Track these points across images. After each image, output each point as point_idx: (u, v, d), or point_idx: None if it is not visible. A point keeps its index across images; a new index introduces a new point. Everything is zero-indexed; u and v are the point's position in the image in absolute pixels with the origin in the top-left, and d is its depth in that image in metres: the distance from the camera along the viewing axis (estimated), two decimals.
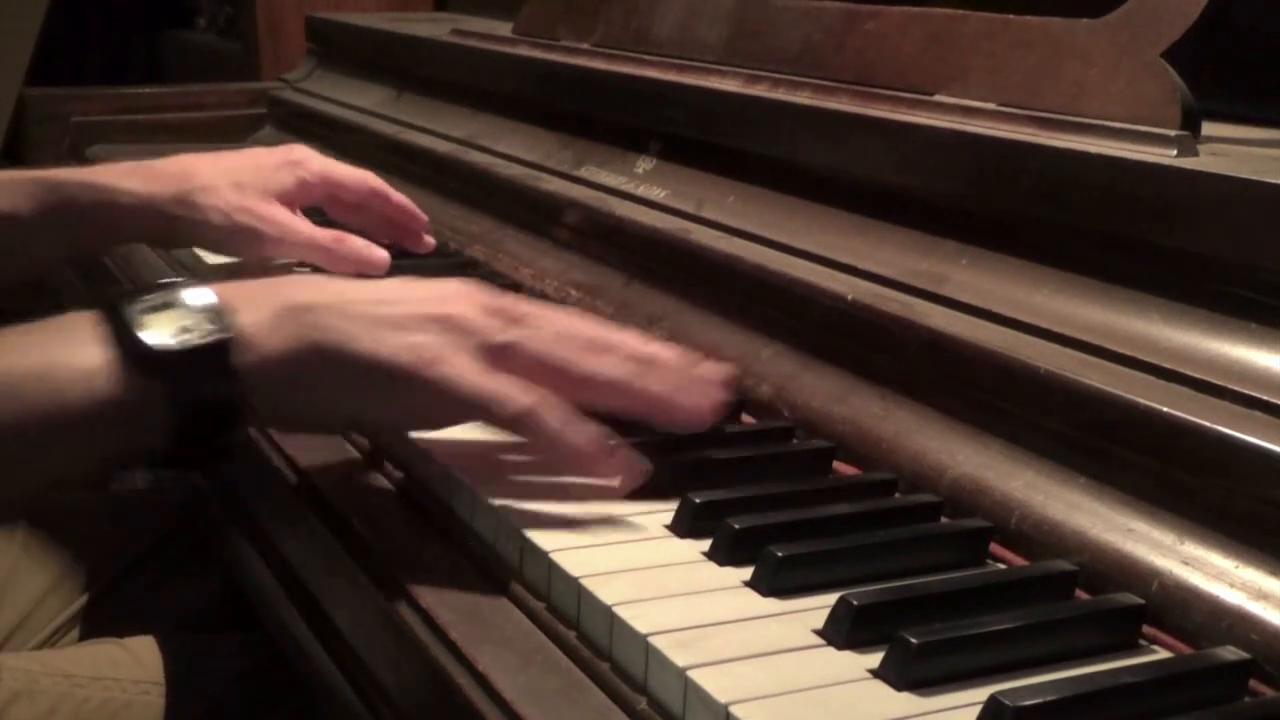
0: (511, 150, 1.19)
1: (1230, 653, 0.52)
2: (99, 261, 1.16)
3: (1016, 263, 0.72)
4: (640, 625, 0.53)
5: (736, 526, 0.60)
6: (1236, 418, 0.57)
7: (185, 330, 0.62)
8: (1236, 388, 0.59)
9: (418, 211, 1.08)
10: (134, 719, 0.88)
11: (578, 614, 0.57)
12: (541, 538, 0.60)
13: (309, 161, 1.03)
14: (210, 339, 0.62)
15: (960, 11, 0.85)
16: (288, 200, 1.00)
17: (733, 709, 0.48)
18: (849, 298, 0.76)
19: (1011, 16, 0.81)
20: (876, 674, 0.51)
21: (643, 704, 0.52)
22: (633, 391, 0.66)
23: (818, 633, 0.54)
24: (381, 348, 0.64)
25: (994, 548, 0.62)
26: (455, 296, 0.67)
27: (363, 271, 0.99)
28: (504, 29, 1.38)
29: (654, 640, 0.52)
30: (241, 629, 0.97)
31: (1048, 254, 0.70)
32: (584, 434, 0.64)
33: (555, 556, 0.59)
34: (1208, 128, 0.72)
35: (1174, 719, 0.48)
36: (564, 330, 0.68)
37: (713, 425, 0.69)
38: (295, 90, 1.65)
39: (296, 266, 1.03)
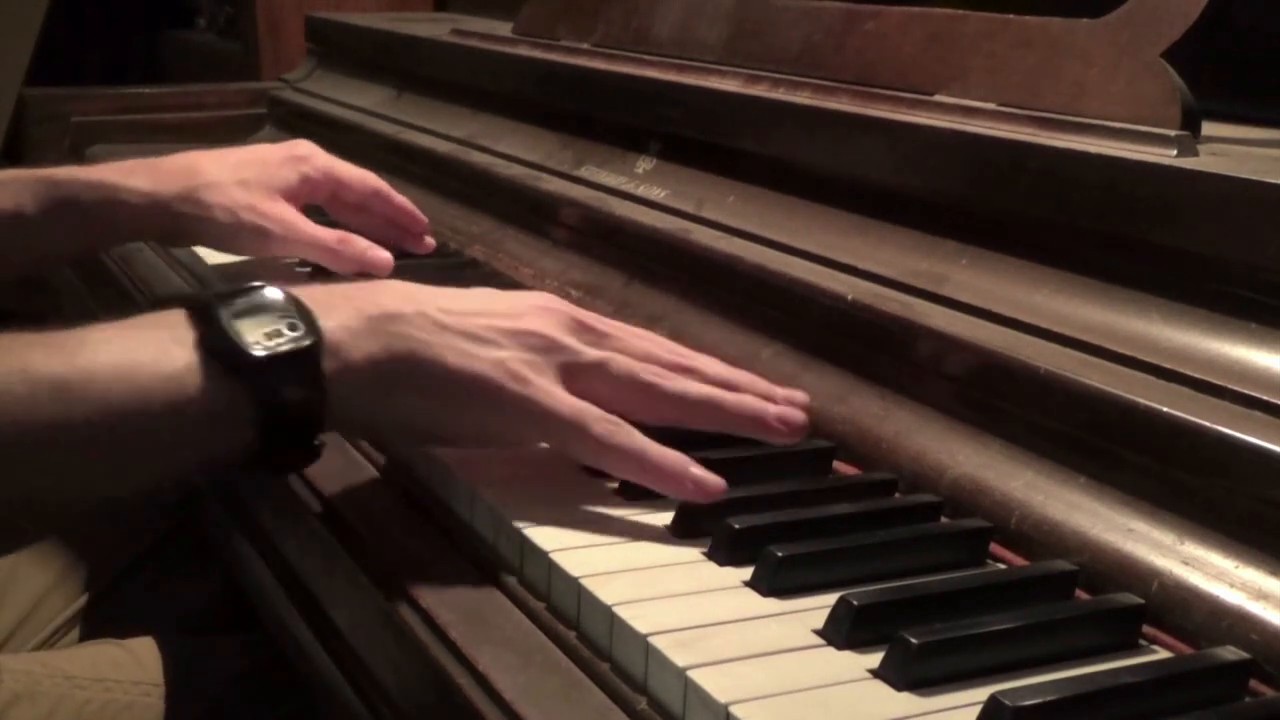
0: (511, 150, 1.19)
1: (1230, 653, 0.52)
2: (99, 261, 1.16)
3: (1016, 263, 0.72)
4: (640, 625, 0.53)
5: (736, 526, 0.60)
6: (1236, 418, 0.57)
7: (275, 334, 0.61)
8: (1236, 388, 0.59)
9: (418, 214, 1.08)
10: None
11: (578, 614, 0.57)
12: (541, 538, 0.60)
13: (314, 157, 1.03)
14: (301, 344, 0.61)
15: (960, 11, 0.85)
16: (292, 196, 1.00)
17: (733, 709, 0.48)
18: (849, 298, 0.76)
19: (1011, 16, 0.81)
20: (876, 674, 0.51)
21: (643, 704, 0.52)
22: (724, 409, 0.66)
23: (818, 633, 0.54)
24: (468, 361, 0.63)
25: (994, 548, 0.62)
26: (539, 311, 0.67)
27: (366, 273, 0.99)
28: (504, 29, 1.38)
29: (654, 640, 0.52)
30: (241, 629, 0.97)
31: (1048, 254, 0.70)
32: (670, 456, 0.63)
33: (555, 556, 0.59)
34: (1208, 128, 0.72)
35: (1174, 719, 0.48)
36: (647, 350, 0.68)
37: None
38: (295, 90, 1.65)
39: (298, 266, 1.03)
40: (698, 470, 0.62)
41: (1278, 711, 0.50)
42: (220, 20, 2.72)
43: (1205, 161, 0.67)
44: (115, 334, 0.61)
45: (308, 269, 1.02)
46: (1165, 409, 0.59)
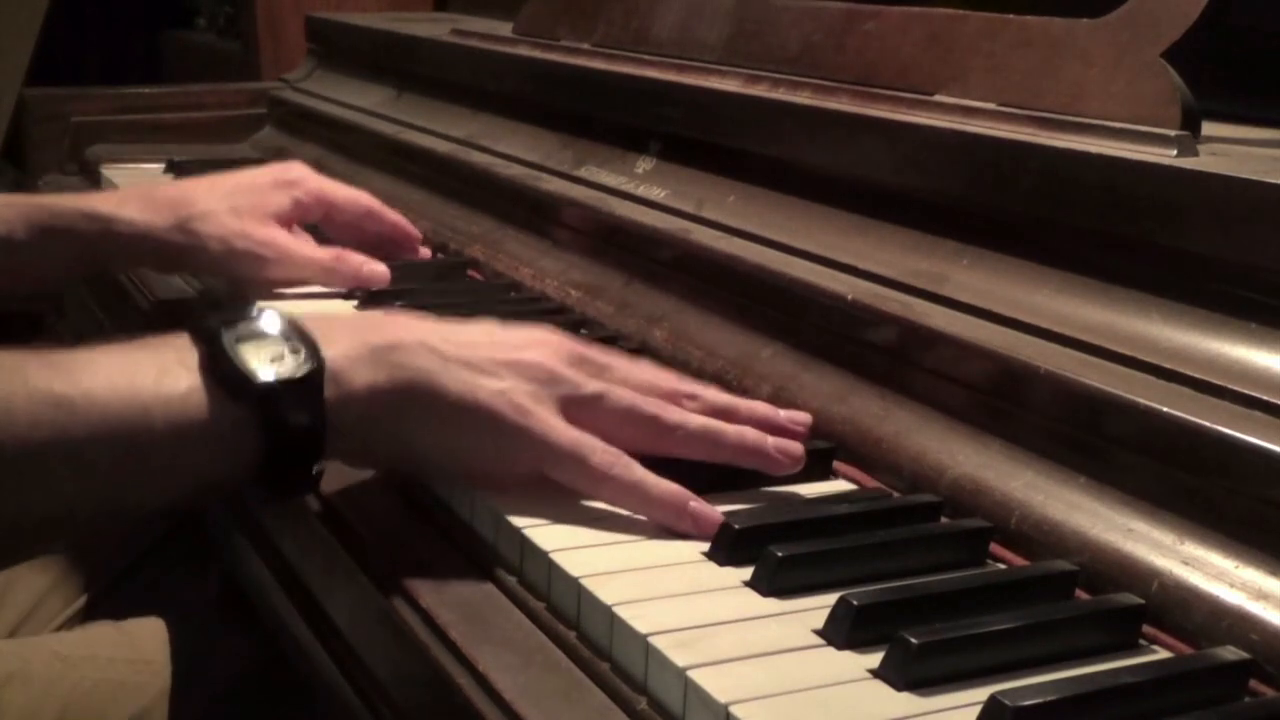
0: (511, 150, 1.19)
1: (1230, 653, 0.52)
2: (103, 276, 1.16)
3: (1016, 263, 0.72)
4: (640, 625, 0.53)
5: (736, 527, 0.60)
6: (1236, 418, 0.57)
7: (278, 359, 0.62)
8: (1236, 388, 0.59)
9: (411, 229, 1.08)
10: (129, 699, 0.88)
11: (578, 614, 0.57)
12: (541, 538, 0.60)
13: (305, 181, 1.03)
14: (303, 370, 0.62)
15: (960, 11, 0.85)
16: (284, 221, 1.01)
17: (733, 709, 0.48)
18: (849, 298, 0.76)
19: (1011, 16, 0.81)
20: (876, 674, 0.51)
21: (643, 704, 0.52)
22: (723, 441, 0.66)
23: (818, 633, 0.54)
24: (470, 391, 0.64)
25: (994, 548, 0.62)
26: (540, 343, 0.68)
27: (363, 287, 0.99)
28: (504, 29, 1.38)
29: (654, 640, 0.52)
30: (241, 629, 0.97)
31: (1048, 254, 0.70)
32: (668, 490, 0.63)
33: (555, 556, 0.59)
34: (1208, 128, 0.72)
35: (1174, 719, 0.48)
36: (647, 382, 0.68)
37: None
38: (295, 90, 1.65)
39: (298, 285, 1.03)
40: (696, 505, 0.62)
41: (1278, 711, 0.50)
42: (220, 20, 2.72)
43: (1205, 161, 0.66)
44: (118, 355, 0.61)
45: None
46: (1165, 409, 0.59)
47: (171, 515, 0.99)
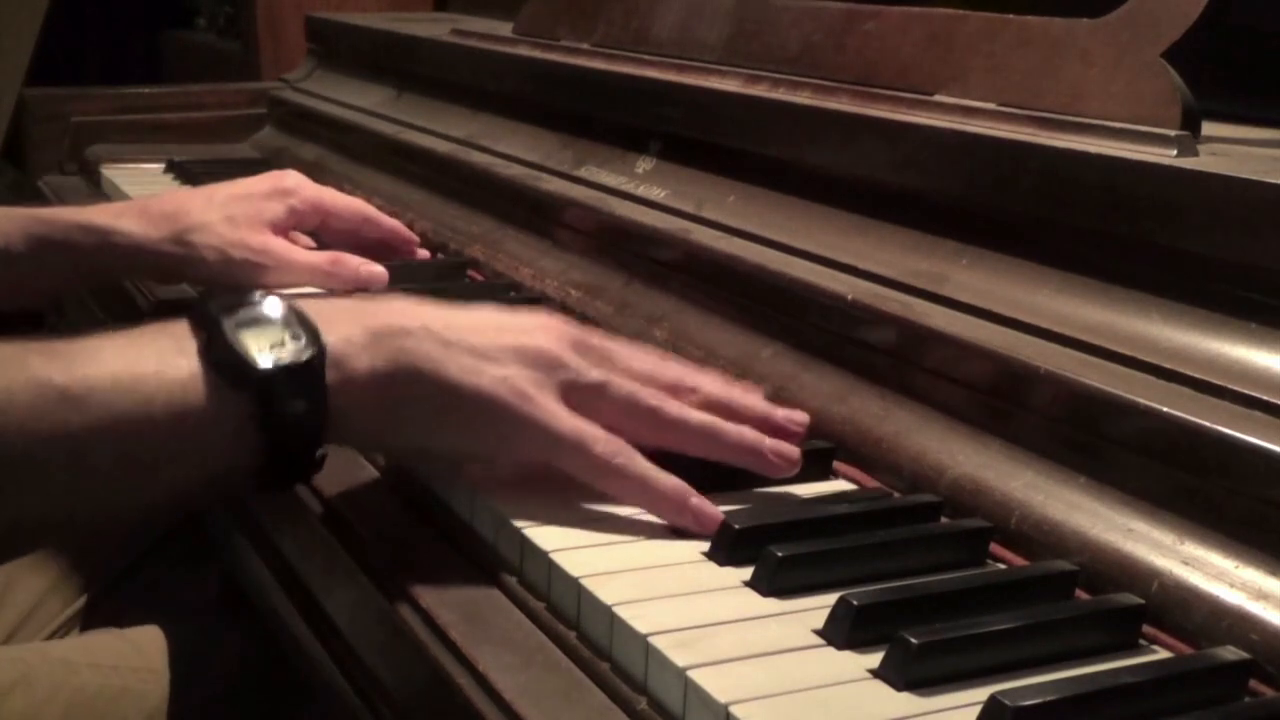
0: (511, 150, 1.19)
1: (1230, 653, 0.52)
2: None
3: (1016, 263, 0.72)
4: (640, 625, 0.53)
5: (736, 527, 0.60)
6: (1236, 418, 0.57)
7: (279, 345, 0.61)
8: (1236, 388, 0.59)
9: (409, 233, 1.08)
10: (131, 706, 0.88)
11: (578, 614, 0.57)
12: (541, 537, 0.60)
13: (301, 189, 1.03)
14: (303, 355, 0.61)
15: (960, 11, 0.85)
16: (279, 229, 1.01)
17: (733, 709, 0.48)
18: (849, 298, 0.76)
19: (1011, 16, 0.81)
20: (876, 674, 0.51)
21: (643, 704, 0.52)
22: (723, 439, 0.66)
23: (818, 633, 0.54)
24: (471, 378, 0.63)
25: (994, 548, 0.62)
26: (543, 329, 0.67)
27: (361, 289, 0.99)
28: (504, 29, 1.38)
29: (654, 640, 0.52)
30: (241, 629, 0.97)
31: (1048, 254, 0.70)
32: (670, 483, 0.63)
33: (555, 556, 0.59)
34: (1208, 128, 0.72)
35: (1174, 719, 0.48)
36: (649, 371, 0.68)
37: None
38: (295, 90, 1.65)
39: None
40: (697, 501, 0.62)
41: (1278, 711, 0.50)
42: (220, 20, 2.72)
43: (1205, 161, 0.67)
44: (118, 343, 0.61)
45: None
46: (1165, 409, 0.59)
47: (174, 511, 0.99)
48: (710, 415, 0.67)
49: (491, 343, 0.65)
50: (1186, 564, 0.56)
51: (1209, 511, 0.57)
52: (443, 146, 1.28)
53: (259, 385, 0.60)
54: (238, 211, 0.99)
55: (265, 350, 0.61)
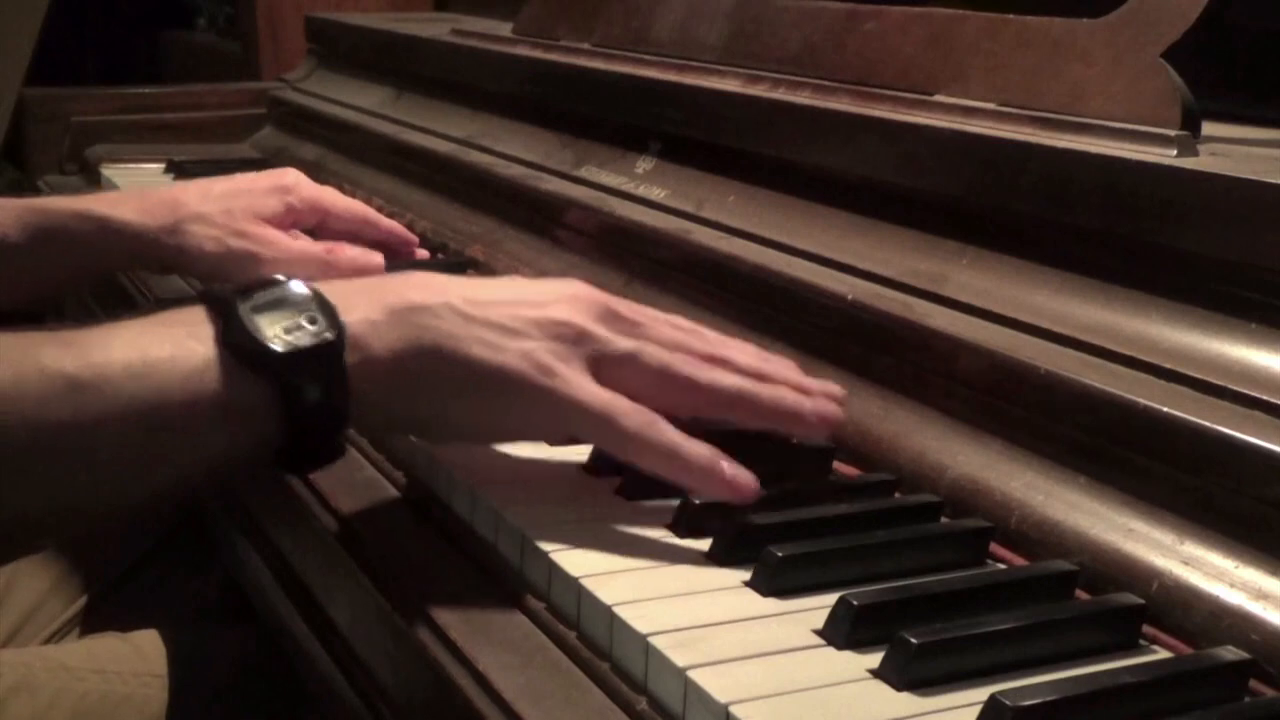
0: (511, 150, 1.19)
1: (1230, 653, 0.52)
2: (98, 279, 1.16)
3: (1016, 263, 0.72)
4: (640, 625, 0.53)
5: (736, 526, 0.60)
6: (1236, 418, 0.57)
7: (296, 328, 0.60)
8: (1236, 388, 0.59)
9: (408, 234, 1.08)
10: (134, 712, 0.88)
11: (578, 614, 0.57)
12: (541, 537, 0.60)
13: (299, 187, 1.03)
14: (321, 337, 0.60)
15: (960, 11, 0.85)
16: (277, 225, 1.01)
17: (733, 709, 0.48)
18: (849, 298, 0.76)
19: (1011, 16, 0.81)
20: (876, 674, 0.51)
21: (643, 704, 0.52)
22: (759, 403, 0.65)
23: (818, 633, 0.54)
24: (494, 354, 0.62)
25: (994, 548, 0.62)
26: (568, 300, 0.66)
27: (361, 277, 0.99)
28: (504, 29, 1.38)
29: (654, 640, 0.52)
30: (241, 628, 0.97)
31: (1048, 254, 0.70)
32: (701, 451, 0.61)
33: (555, 556, 0.59)
34: (1208, 128, 0.72)
35: (1174, 719, 0.48)
36: (681, 339, 0.66)
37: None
38: (295, 90, 1.65)
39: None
40: (730, 467, 0.60)
41: (1278, 711, 0.50)
42: (220, 20, 2.73)
43: (1205, 161, 0.67)
44: (132, 331, 0.60)
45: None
46: (1165, 409, 0.59)
47: (187, 503, 0.98)
48: (745, 380, 0.65)
49: (514, 316, 0.63)
50: (1186, 564, 0.56)
51: (1209, 511, 0.57)
52: (443, 146, 1.28)
53: (277, 369, 0.59)
54: (235, 205, 0.99)
55: (281, 333, 0.60)
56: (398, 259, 1.06)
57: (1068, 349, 0.65)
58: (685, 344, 0.66)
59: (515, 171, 1.15)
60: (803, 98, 0.91)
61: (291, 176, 1.05)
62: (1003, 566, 0.61)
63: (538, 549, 0.60)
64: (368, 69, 1.57)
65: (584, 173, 1.08)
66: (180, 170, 1.42)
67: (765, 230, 0.87)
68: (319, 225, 1.05)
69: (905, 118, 0.82)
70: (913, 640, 0.50)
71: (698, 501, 0.62)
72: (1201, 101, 0.71)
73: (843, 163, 0.85)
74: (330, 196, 1.05)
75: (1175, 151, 0.68)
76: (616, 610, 0.54)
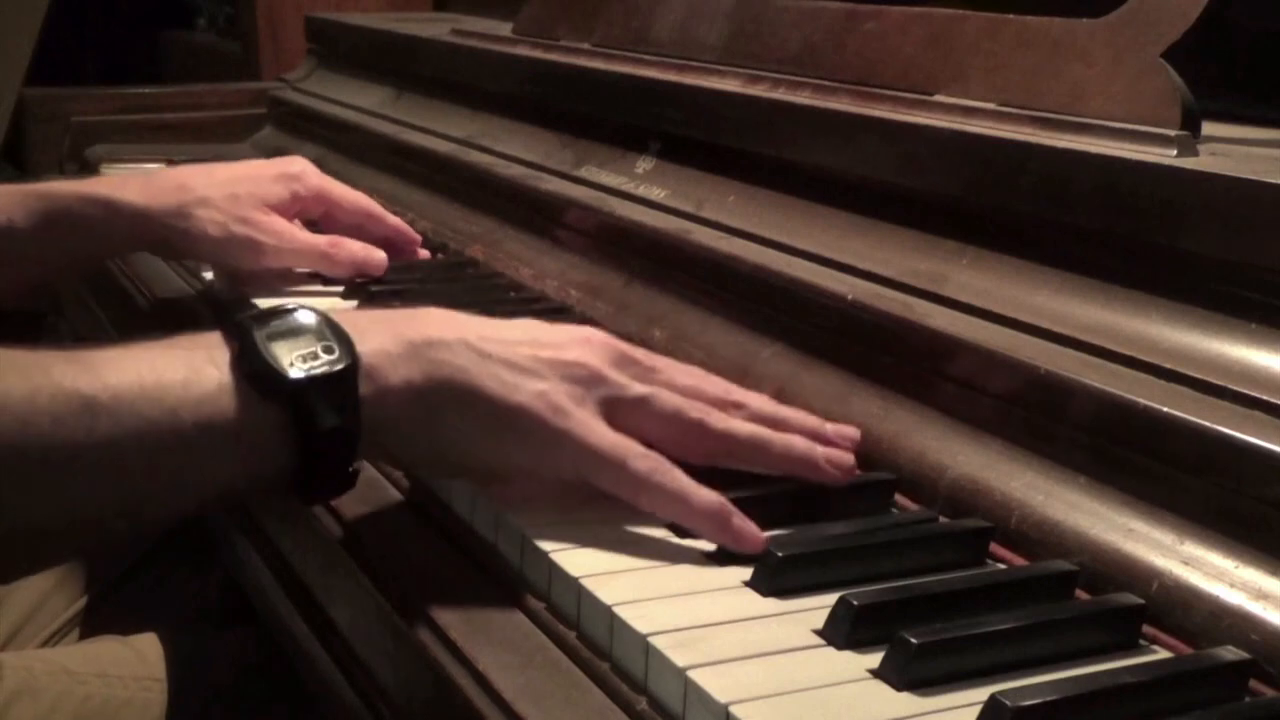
0: (511, 150, 1.19)
1: (1230, 653, 0.52)
2: (102, 265, 1.16)
3: (1017, 263, 0.72)
4: (640, 625, 0.53)
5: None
6: (1236, 418, 0.57)
7: (311, 357, 0.60)
8: (1236, 388, 0.59)
9: (411, 232, 1.08)
10: (135, 716, 0.88)
11: (578, 614, 0.57)
12: (541, 537, 0.60)
13: (306, 176, 1.03)
14: (336, 367, 0.60)
15: (960, 11, 0.85)
16: (282, 212, 1.01)
17: (733, 709, 0.48)
18: (849, 298, 0.76)
19: (1011, 16, 0.81)
20: (876, 674, 0.51)
21: (643, 704, 0.52)
22: (771, 450, 0.65)
23: (818, 633, 0.54)
24: (509, 392, 0.62)
25: (994, 548, 0.62)
26: (583, 343, 0.66)
27: (361, 274, 0.99)
28: (504, 29, 1.38)
29: (654, 640, 0.52)
30: (242, 629, 0.97)
31: (1048, 254, 0.70)
32: (711, 500, 0.61)
33: (555, 556, 0.59)
34: (1208, 128, 0.72)
35: (1174, 719, 0.48)
36: (695, 385, 0.67)
37: None
38: (295, 90, 1.65)
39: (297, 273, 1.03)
40: (739, 520, 0.60)
41: (1278, 711, 0.50)
42: (220, 20, 2.73)
43: (1205, 161, 0.67)
44: (146, 353, 0.60)
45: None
46: (1165, 409, 0.59)
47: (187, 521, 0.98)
48: (758, 426, 0.65)
49: (529, 356, 0.64)
50: (1186, 564, 0.56)
51: (1209, 511, 0.57)
52: (443, 146, 1.28)
53: (290, 396, 0.59)
54: (241, 190, 0.99)
55: (297, 361, 0.59)
56: (400, 257, 1.06)
57: (1068, 349, 0.65)
58: (699, 390, 0.67)
59: (515, 171, 1.15)
60: (803, 98, 0.91)
61: (298, 165, 1.04)
62: (1003, 566, 0.61)
63: (538, 549, 0.60)
64: (368, 69, 1.57)
65: (584, 173, 1.08)
66: None
67: (765, 230, 0.87)
68: (324, 216, 1.05)
69: (905, 118, 0.82)
70: (913, 640, 0.50)
71: None
72: (1201, 101, 0.71)
73: (843, 163, 0.85)
74: (336, 187, 1.05)
75: (1175, 151, 0.68)
76: (616, 610, 0.54)
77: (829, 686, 0.50)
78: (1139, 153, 0.68)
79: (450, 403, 0.62)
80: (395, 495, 0.71)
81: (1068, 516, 0.60)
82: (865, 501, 0.66)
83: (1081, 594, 0.58)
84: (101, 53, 3.04)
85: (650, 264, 0.93)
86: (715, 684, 0.49)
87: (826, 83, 0.91)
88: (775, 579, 0.57)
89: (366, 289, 0.98)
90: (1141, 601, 0.55)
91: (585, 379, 0.64)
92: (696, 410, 0.65)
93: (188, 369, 0.59)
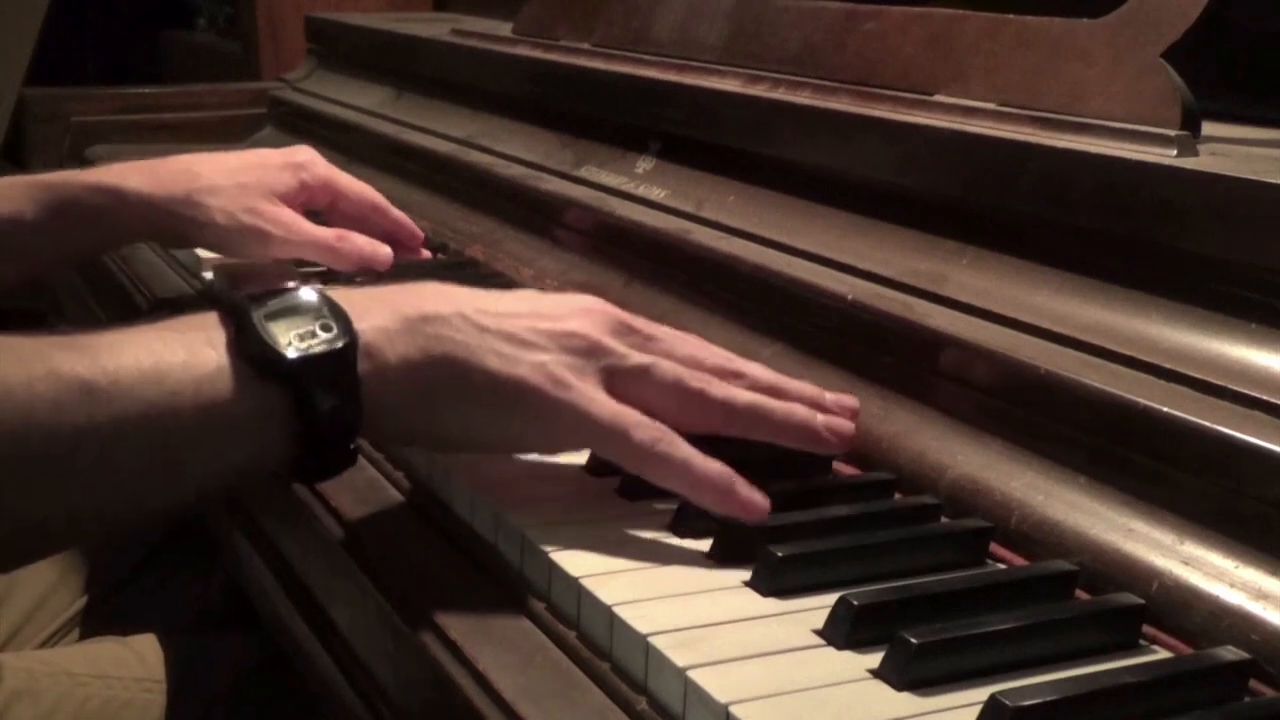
0: (511, 150, 1.19)
1: (1230, 653, 0.52)
2: (99, 261, 1.16)
3: (1016, 263, 0.72)
4: (640, 625, 0.53)
5: (736, 526, 0.60)
6: (1236, 418, 0.57)
7: (309, 335, 0.60)
8: (1236, 388, 0.59)
9: (415, 227, 1.08)
10: (135, 717, 0.88)
11: (578, 614, 0.57)
12: (541, 538, 0.60)
13: (313, 165, 1.03)
14: (334, 345, 0.60)
15: (960, 11, 0.85)
16: (289, 201, 1.00)
17: (733, 709, 0.48)
18: (849, 298, 0.76)
19: (1011, 16, 0.81)
20: (876, 674, 0.51)
21: (643, 704, 0.52)
22: (772, 418, 0.64)
23: (818, 633, 0.54)
24: (508, 365, 0.62)
25: (994, 548, 0.62)
26: (582, 313, 0.65)
27: (367, 268, 0.99)
28: (504, 29, 1.38)
29: (654, 640, 0.52)
30: (242, 629, 0.97)
31: (1048, 254, 0.70)
32: (714, 469, 0.61)
33: (555, 556, 0.59)
34: (1208, 128, 0.72)
35: (1174, 719, 0.48)
36: (695, 355, 0.67)
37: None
38: (295, 90, 1.65)
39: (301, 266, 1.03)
40: (744, 489, 0.60)
41: (1278, 711, 0.50)
42: (220, 20, 2.73)
43: (1205, 161, 0.67)
44: (145, 336, 0.59)
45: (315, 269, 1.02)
46: (1165, 409, 0.59)
47: (190, 510, 0.98)
48: (758, 394, 0.65)
49: (528, 329, 0.63)
50: (1186, 564, 0.56)
51: (1209, 511, 0.57)
52: (443, 146, 1.28)
53: (289, 376, 0.59)
54: (249, 179, 0.99)
55: (295, 340, 0.59)
56: (403, 253, 1.06)
57: (1068, 349, 0.65)
58: (699, 359, 0.66)
59: (515, 171, 1.15)
60: (803, 98, 0.91)
61: (305, 154, 1.04)
62: (1003, 566, 0.61)
63: (538, 549, 0.60)
64: (368, 69, 1.57)
65: (584, 173, 1.08)
66: None
67: (765, 230, 0.87)
68: (329, 206, 1.05)
69: (905, 118, 0.82)
70: (913, 640, 0.50)
71: None
72: (1201, 101, 0.71)
73: (843, 163, 0.85)
74: (342, 177, 1.05)
75: (1175, 151, 0.68)
76: (616, 610, 0.54)
77: (829, 686, 0.50)
78: (1139, 153, 0.68)
79: (449, 378, 0.62)
80: (396, 496, 0.71)
81: (1068, 516, 0.60)
82: (865, 502, 0.66)
83: (1081, 594, 0.58)
84: (101, 53, 3.04)
85: (650, 264, 0.93)
86: (715, 684, 0.49)
87: (826, 83, 0.91)
88: (775, 579, 0.57)
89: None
90: (1141, 601, 0.56)
91: (585, 350, 0.64)
92: (697, 379, 0.65)
93: (186, 351, 0.59)
